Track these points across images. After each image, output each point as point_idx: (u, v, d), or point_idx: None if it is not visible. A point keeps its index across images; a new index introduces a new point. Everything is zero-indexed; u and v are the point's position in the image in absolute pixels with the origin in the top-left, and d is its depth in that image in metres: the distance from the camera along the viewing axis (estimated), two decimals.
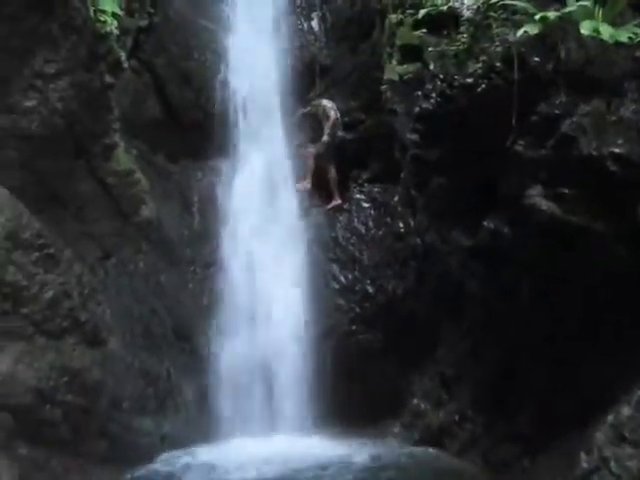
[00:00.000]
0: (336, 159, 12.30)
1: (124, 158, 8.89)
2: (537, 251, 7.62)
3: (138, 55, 11.39)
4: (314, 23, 13.27)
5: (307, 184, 12.28)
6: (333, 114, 12.27)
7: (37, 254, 7.91)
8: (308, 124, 12.72)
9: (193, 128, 12.40)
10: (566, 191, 7.18)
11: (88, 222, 8.76)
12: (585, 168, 6.96)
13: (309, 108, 12.60)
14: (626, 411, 6.63)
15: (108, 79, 8.21)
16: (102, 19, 8.09)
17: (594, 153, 6.87)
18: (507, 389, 8.72)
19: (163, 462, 9.43)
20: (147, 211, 9.30)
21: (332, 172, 12.26)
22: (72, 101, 7.78)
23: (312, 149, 12.39)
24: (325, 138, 12.26)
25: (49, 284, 7.97)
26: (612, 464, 6.41)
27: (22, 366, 7.67)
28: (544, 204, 7.31)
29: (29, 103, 7.65)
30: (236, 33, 12.92)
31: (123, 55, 8.80)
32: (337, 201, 12.13)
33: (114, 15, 8.39)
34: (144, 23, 10.22)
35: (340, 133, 12.34)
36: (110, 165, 8.57)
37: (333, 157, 12.29)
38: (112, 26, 8.26)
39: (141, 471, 9.00)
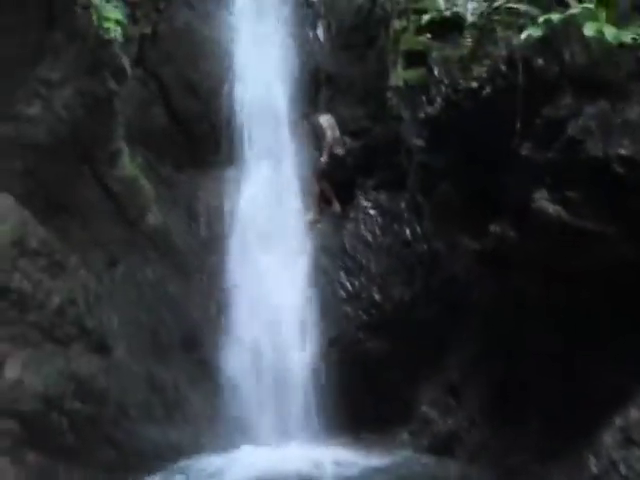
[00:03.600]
0: (337, 174, 12.34)
1: (129, 165, 8.91)
2: (544, 255, 7.57)
3: (144, 64, 11.44)
4: (319, 31, 13.26)
5: (316, 216, 12.33)
6: (329, 134, 12.32)
7: (43, 261, 7.92)
8: (313, 134, 12.72)
9: (200, 138, 12.43)
10: (573, 194, 7.12)
11: (94, 229, 8.74)
12: (592, 170, 6.92)
13: (307, 124, 12.63)
14: (634, 414, 6.61)
15: (112, 86, 8.21)
16: (105, 26, 8.11)
17: (600, 155, 6.83)
18: (515, 395, 8.67)
19: (170, 471, 9.40)
20: (153, 218, 9.30)
21: (317, 187, 12.35)
22: (77, 108, 7.79)
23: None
24: (323, 159, 12.36)
25: (55, 291, 7.98)
26: (621, 467, 6.40)
27: (29, 373, 7.67)
28: (551, 208, 7.26)
29: (34, 111, 7.66)
30: (241, 43, 12.93)
31: (127, 62, 8.81)
32: (313, 216, 12.28)
33: (118, 22, 8.42)
34: (148, 30, 10.24)
35: (339, 150, 12.38)
36: (115, 172, 8.57)
37: (333, 172, 12.34)
38: (116, 33, 8.29)
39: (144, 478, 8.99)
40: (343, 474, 9.23)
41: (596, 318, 7.31)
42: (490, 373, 9.17)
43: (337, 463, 9.64)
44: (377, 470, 9.37)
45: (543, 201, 7.29)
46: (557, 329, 7.72)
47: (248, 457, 9.96)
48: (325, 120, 12.40)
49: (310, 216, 12.29)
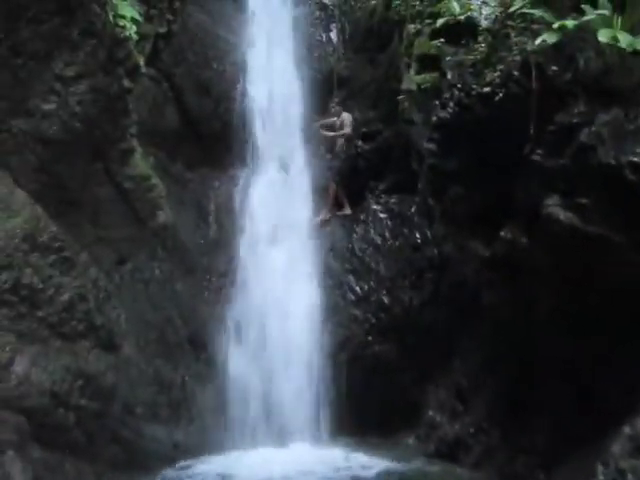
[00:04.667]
0: (349, 172, 12.37)
1: (141, 163, 8.93)
2: (554, 260, 7.55)
3: (157, 64, 11.46)
4: (333, 34, 13.39)
5: (327, 216, 12.35)
6: (348, 130, 12.35)
7: (54, 257, 7.94)
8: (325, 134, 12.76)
9: (211, 137, 12.48)
10: (584, 201, 7.09)
11: (104, 226, 8.77)
12: (603, 177, 6.89)
13: (329, 117, 12.62)
14: None
15: (126, 83, 8.24)
16: (121, 24, 8.16)
17: (612, 162, 6.80)
18: (523, 401, 8.63)
19: (175, 470, 9.41)
20: (163, 216, 9.32)
21: (332, 187, 12.34)
22: (91, 105, 7.81)
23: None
24: (338, 146, 12.39)
25: (65, 287, 7.99)
26: (629, 476, 6.32)
27: (37, 369, 7.69)
28: (562, 214, 7.23)
29: (49, 106, 7.69)
30: (255, 44, 13.03)
31: (141, 60, 8.84)
32: (324, 216, 12.29)
33: (133, 20, 8.47)
34: (163, 30, 10.27)
35: (352, 149, 12.42)
36: (127, 170, 8.59)
37: (344, 171, 12.36)
38: (131, 31, 8.33)
39: (153, 478, 8.99)
40: (346, 477, 9.17)
41: (604, 324, 7.28)
42: (498, 378, 9.14)
43: (341, 465, 9.60)
44: (381, 474, 9.31)
45: (555, 207, 7.27)
46: (567, 335, 7.69)
47: (253, 458, 9.96)
48: (347, 116, 12.41)
49: (322, 216, 12.29)
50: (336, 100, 12.61)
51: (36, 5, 7.22)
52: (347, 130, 12.35)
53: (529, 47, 7.46)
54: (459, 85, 8.16)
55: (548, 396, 8.14)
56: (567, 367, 7.83)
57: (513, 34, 7.77)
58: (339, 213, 12.32)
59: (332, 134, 12.49)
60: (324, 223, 12.26)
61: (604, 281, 7.21)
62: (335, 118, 12.47)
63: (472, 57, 8.12)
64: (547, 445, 8.05)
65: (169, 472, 9.30)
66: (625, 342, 7.12)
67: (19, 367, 7.56)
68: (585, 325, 7.45)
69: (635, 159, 6.68)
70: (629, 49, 6.84)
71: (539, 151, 7.46)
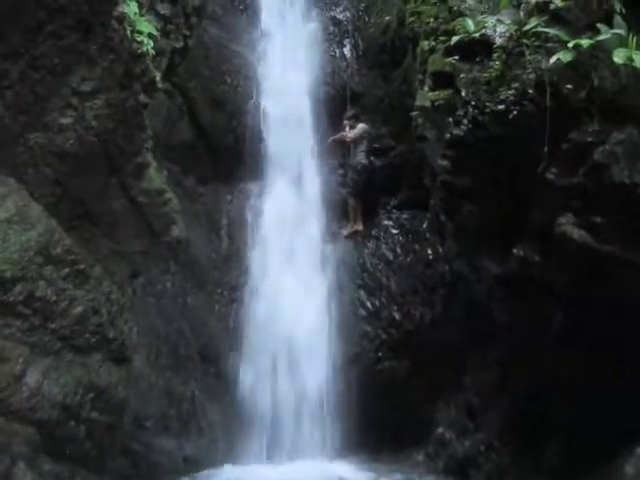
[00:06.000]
0: (362, 187, 12.38)
1: (156, 178, 8.97)
2: (568, 280, 7.54)
3: (172, 79, 11.53)
4: (346, 50, 13.44)
5: (358, 226, 12.32)
6: (351, 135, 12.40)
7: (67, 270, 7.96)
8: (338, 149, 12.79)
9: (224, 151, 12.53)
10: (598, 219, 7.11)
11: (119, 240, 8.81)
12: (617, 196, 6.91)
13: (342, 130, 12.62)
14: None
15: (142, 98, 8.29)
16: (139, 39, 8.21)
17: (626, 181, 6.83)
18: (534, 420, 8.60)
19: None
20: (177, 231, 9.34)
21: (351, 200, 12.34)
22: (107, 119, 7.87)
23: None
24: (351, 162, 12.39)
25: (78, 300, 8.01)
26: None
27: (49, 381, 7.69)
28: (576, 232, 7.24)
29: (65, 120, 7.75)
30: (269, 59, 13.11)
31: (158, 75, 8.90)
32: (354, 228, 12.21)
33: (150, 36, 8.52)
34: (179, 45, 10.33)
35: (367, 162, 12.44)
36: (142, 184, 8.63)
37: (357, 185, 12.37)
38: (148, 46, 8.38)
39: None
40: None
41: (620, 346, 7.27)
42: (509, 397, 9.12)
43: None
44: None
45: (568, 225, 7.28)
46: (580, 352, 7.67)
47: (262, 473, 9.93)
48: (362, 126, 12.44)
49: (353, 228, 12.29)
50: (350, 112, 12.60)
51: (55, 21, 7.28)
52: (350, 134, 12.35)
53: (544, 65, 7.44)
54: (473, 102, 8.14)
55: (560, 416, 8.12)
56: (580, 385, 7.81)
57: (528, 52, 7.73)
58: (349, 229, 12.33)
59: (338, 137, 12.50)
60: (354, 234, 12.25)
61: (618, 298, 7.20)
62: (348, 129, 12.50)
63: (486, 75, 8.08)
64: (559, 464, 8.02)
65: None
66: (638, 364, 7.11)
67: (31, 379, 7.57)
68: (599, 342, 7.44)
69: None
70: None
71: (553, 169, 7.45)
